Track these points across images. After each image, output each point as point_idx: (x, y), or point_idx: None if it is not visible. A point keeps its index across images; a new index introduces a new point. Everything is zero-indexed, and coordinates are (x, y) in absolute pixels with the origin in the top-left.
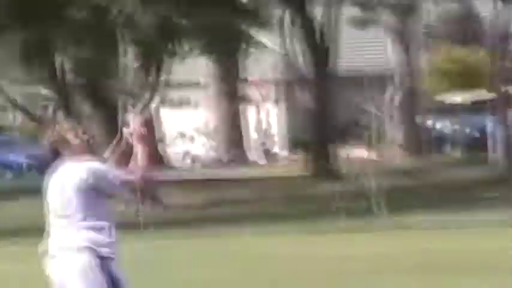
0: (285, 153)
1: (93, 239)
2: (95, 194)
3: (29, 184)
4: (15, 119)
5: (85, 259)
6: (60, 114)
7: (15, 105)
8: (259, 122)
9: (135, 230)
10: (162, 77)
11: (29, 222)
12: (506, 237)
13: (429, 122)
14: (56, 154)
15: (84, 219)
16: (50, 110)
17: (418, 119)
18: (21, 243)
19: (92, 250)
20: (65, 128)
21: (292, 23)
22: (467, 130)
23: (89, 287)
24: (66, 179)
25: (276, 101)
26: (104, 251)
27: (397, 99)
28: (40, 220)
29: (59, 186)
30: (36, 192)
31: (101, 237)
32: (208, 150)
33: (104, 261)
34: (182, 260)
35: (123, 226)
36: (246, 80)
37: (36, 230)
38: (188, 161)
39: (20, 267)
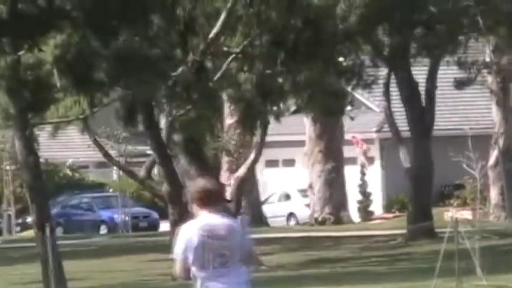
0: (381, 211)
1: None
2: None
3: (122, 242)
4: (116, 176)
5: None
6: (160, 172)
7: (114, 163)
8: (356, 180)
9: None
10: (260, 136)
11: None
12: None
13: None
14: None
15: None
16: (149, 167)
17: None
18: None
19: None
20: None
21: (395, 83)
22: None
23: None
24: None
25: (373, 160)
26: None
27: (500, 159)
28: None
29: None
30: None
31: None
32: (305, 209)
33: None
34: None
35: None
36: (344, 139)
37: None
38: (291, 221)
39: None
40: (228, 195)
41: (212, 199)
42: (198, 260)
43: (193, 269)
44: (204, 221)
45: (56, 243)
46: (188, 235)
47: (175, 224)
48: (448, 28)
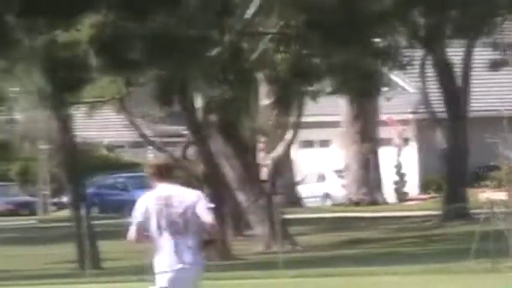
0: (417, 192)
1: None
2: None
3: None
4: (149, 156)
5: None
6: (193, 152)
7: (150, 143)
8: (391, 161)
9: (272, 269)
10: (296, 116)
11: None
12: None
13: None
14: None
15: None
16: (184, 147)
17: None
18: None
19: None
20: None
21: (431, 64)
22: None
23: None
24: None
25: (409, 141)
26: None
27: None
28: None
29: None
30: None
31: None
32: (341, 189)
33: None
34: None
35: (261, 265)
36: (379, 120)
37: None
38: (326, 202)
39: None
40: (264, 175)
41: (164, 173)
42: (153, 226)
43: (151, 234)
44: (160, 191)
45: (91, 223)
46: (145, 203)
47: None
48: (483, 9)
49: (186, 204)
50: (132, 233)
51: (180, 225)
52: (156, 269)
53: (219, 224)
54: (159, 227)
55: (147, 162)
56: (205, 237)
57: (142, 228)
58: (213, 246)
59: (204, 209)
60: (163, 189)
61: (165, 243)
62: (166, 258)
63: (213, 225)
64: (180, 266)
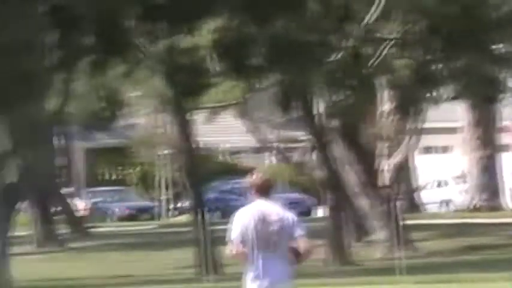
0: None
1: None
2: None
3: None
4: (270, 161)
5: None
6: (315, 157)
7: (270, 148)
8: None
9: (392, 274)
10: (418, 122)
11: None
12: None
13: None
14: None
15: None
16: (304, 152)
17: None
18: None
19: None
20: None
21: None
22: None
23: None
24: None
25: None
26: None
27: None
28: None
29: None
30: None
31: None
32: (461, 195)
33: None
34: None
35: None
36: (500, 126)
37: None
38: (447, 208)
39: None
40: (385, 181)
41: (264, 189)
42: (248, 242)
43: (245, 251)
44: (257, 206)
45: (210, 228)
46: (242, 218)
47: (333, 209)
48: None
49: (283, 223)
50: (229, 248)
51: (275, 243)
52: (248, 285)
53: (311, 248)
54: (253, 243)
55: (249, 178)
56: (296, 253)
57: (239, 244)
58: (301, 261)
59: (299, 231)
60: (261, 205)
61: (258, 259)
62: (259, 274)
63: (306, 246)
64: (272, 282)
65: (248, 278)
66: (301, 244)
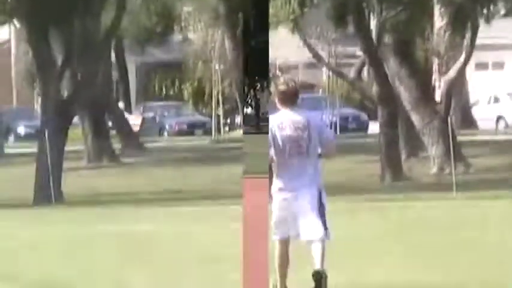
0: None
1: None
2: None
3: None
4: (325, 77)
5: None
6: (370, 73)
7: (325, 64)
8: None
9: (445, 190)
10: (471, 38)
11: None
12: None
13: None
14: None
15: None
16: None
17: None
18: None
19: None
20: None
21: None
22: None
23: None
24: None
25: None
26: None
27: None
28: None
29: None
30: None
31: None
32: None
33: None
34: (491, 221)
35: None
36: None
37: None
38: (500, 124)
39: None
40: (437, 97)
41: (290, 98)
42: (276, 148)
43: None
44: (284, 115)
45: None
46: (271, 129)
47: (385, 125)
48: None
49: (309, 128)
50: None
51: (303, 148)
52: (275, 189)
53: (336, 148)
54: (282, 150)
55: (276, 87)
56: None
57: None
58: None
59: (326, 131)
60: (288, 114)
61: (286, 165)
62: (286, 179)
63: (332, 144)
64: (300, 186)
65: (276, 185)
66: (330, 149)
